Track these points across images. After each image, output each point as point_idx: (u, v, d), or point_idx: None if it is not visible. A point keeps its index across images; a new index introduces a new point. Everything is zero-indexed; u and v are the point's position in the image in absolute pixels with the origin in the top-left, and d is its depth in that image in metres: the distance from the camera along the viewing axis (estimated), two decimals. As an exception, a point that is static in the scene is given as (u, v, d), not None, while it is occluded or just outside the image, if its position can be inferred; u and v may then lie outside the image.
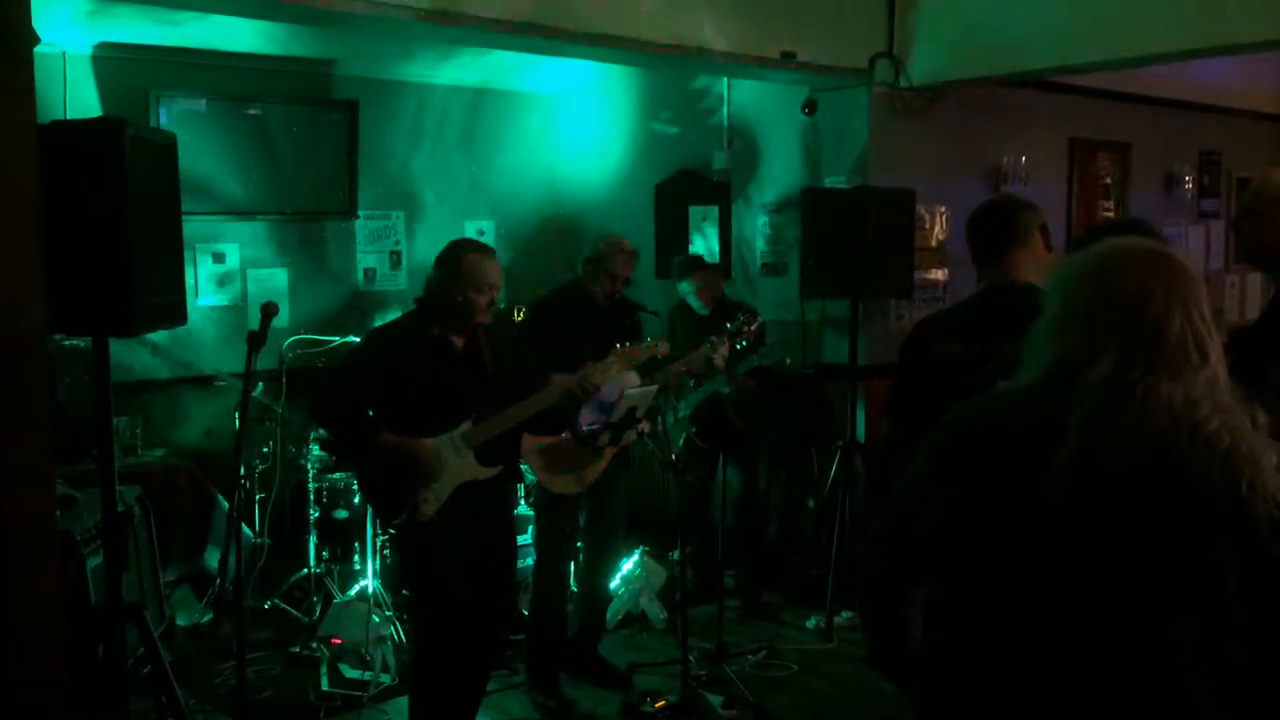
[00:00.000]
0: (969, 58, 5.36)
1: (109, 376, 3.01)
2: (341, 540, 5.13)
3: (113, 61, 5.41)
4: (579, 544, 4.83)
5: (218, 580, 4.80)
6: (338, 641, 4.48)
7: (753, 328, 4.82)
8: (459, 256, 3.61)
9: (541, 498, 4.53)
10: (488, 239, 6.58)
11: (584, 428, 4.23)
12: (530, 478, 4.56)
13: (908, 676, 1.85)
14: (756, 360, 5.10)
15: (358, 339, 4.97)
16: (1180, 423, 1.58)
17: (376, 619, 4.54)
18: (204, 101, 5.62)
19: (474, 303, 3.57)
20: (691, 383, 5.23)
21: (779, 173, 6.05)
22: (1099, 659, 1.59)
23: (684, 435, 5.25)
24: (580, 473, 4.38)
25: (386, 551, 5.05)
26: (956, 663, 1.72)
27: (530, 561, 4.73)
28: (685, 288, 5.43)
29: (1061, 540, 1.61)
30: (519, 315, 5.79)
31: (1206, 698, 1.56)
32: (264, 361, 3.74)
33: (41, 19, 4.71)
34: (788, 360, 5.42)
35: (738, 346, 4.80)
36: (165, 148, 3.06)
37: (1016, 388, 1.75)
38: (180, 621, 4.89)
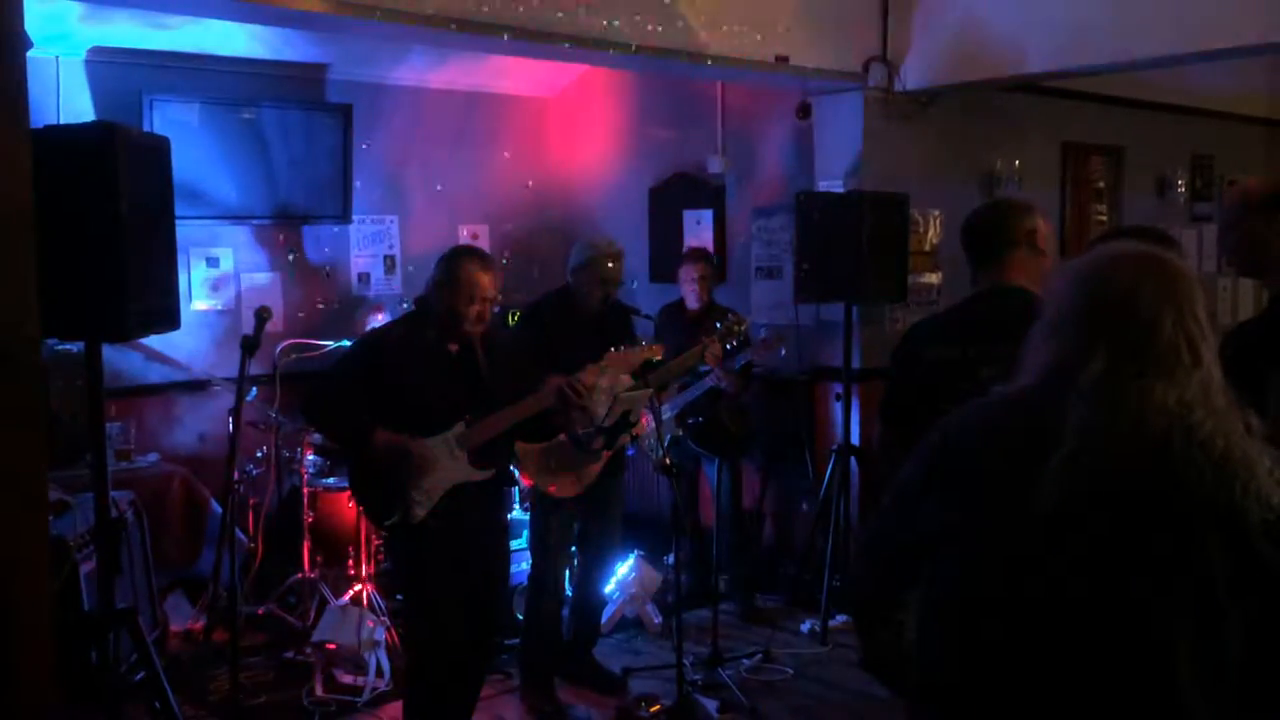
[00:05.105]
0: (963, 62, 5.38)
1: (102, 381, 3.00)
2: (336, 545, 5.12)
3: (106, 66, 5.40)
4: (574, 548, 4.83)
5: (211, 585, 4.79)
6: (332, 647, 4.47)
7: (742, 327, 4.87)
8: (456, 265, 3.61)
9: (537, 502, 4.52)
10: (481, 243, 6.57)
11: (579, 431, 4.22)
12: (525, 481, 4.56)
13: (901, 680, 1.86)
14: (751, 355, 5.12)
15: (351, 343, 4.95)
16: (1174, 426, 1.58)
17: (371, 624, 4.53)
18: (197, 106, 5.59)
19: (464, 313, 3.58)
20: (675, 386, 5.23)
21: (773, 176, 6.06)
22: (1092, 660, 1.59)
23: (670, 438, 5.24)
24: (576, 476, 4.38)
25: (381, 556, 5.04)
26: (950, 666, 1.73)
27: (525, 566, 4.72)
28: (687, 274, 5.42)
29: (1055, 542, 1.61)
30: (513, 319, 5.79)
31: (1200, 699, 1.56)
32: (258, 366, 3.74)
33: (35, 23, 4.73)
34: (783, 352, 5.44)
35: (728, 346, 4.84)
36: (159, 152, 3.05)
37: (1011, 391, 1.76)
38: (174, 627, 4.88)
